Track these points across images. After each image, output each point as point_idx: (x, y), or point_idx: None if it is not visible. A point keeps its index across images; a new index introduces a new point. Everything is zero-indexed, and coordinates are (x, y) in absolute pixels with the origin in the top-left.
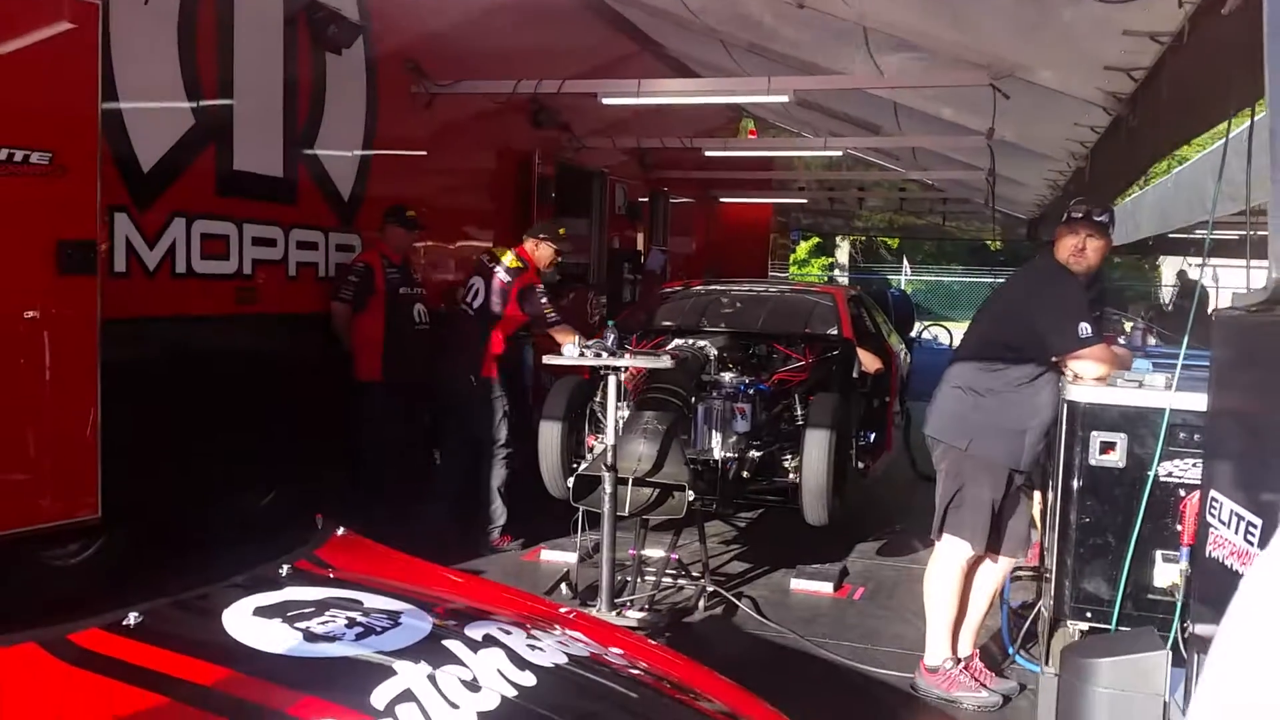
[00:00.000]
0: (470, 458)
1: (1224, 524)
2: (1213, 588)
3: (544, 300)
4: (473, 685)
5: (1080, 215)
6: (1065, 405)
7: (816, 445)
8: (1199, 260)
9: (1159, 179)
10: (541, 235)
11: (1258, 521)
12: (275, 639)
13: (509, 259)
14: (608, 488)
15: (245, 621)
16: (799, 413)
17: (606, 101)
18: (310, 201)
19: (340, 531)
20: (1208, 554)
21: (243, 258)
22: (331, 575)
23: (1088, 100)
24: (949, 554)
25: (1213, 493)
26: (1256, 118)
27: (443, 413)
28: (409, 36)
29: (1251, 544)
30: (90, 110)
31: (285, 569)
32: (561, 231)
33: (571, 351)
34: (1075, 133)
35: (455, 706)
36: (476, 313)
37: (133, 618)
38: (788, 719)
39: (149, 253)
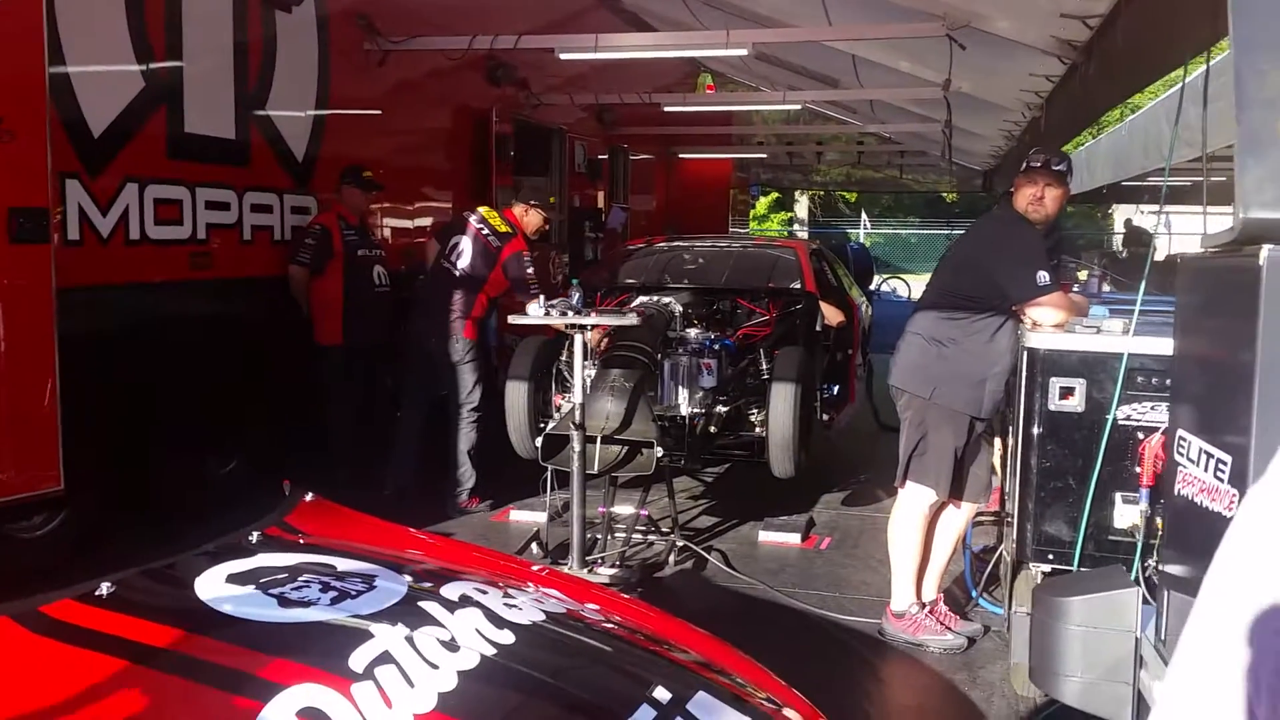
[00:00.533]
0: (427, 417)
1: (1193, 462)
2: (1182, 524)
3: (530, 270)
4: (451, 645)
5: (1039, 164)
6: (1025, 352)
7: (782, 399)
8: (1151, 208)
9: (1113, 127)
10: (533, 201)
11: (1227, 458)
12: (250, 605)
13: (498, 222)
14: (576, 446)
15: (219, 588)
16: (764, 367)
17: (564, 56)
18: (264, 163)
19: (309, 497)
20: (1176, 492)
21: (196, 222)
22: (302, 541)
23: (1043, 50)
24: (913, 501)
25: (1180, 432)
26: (1213, 62)
27: (405, 372)
28: None
29: (1221, 480)
30: (37, 75)
31: (255, 536)
32: (552, 200)
33: (537, 310)
34: (1030, 83)
35: (435, 667)
36: (462, 273)
37: (105, 588)
38: (761, 666)
39: (102, 219)
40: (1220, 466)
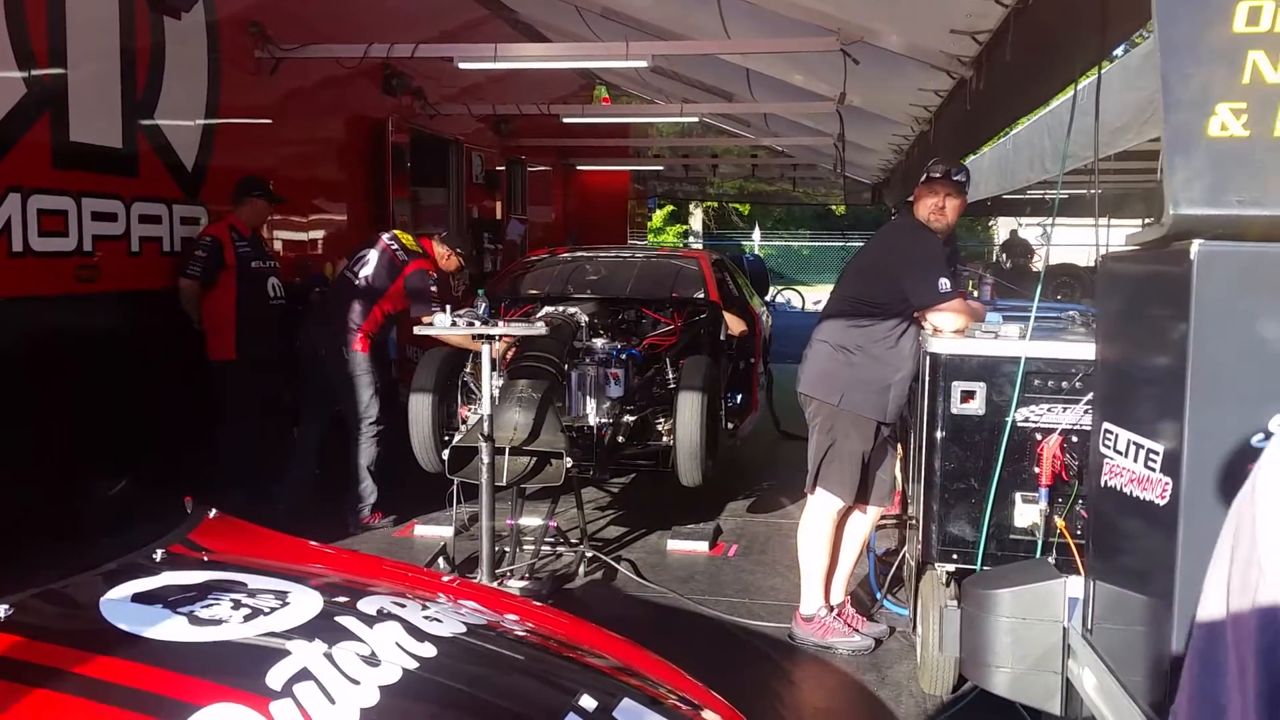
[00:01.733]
0: (324, 433)
1: (1120, 453)
2: (1110, 515)
3: (434, 289)
4: (372, 660)
5: (939, 175)
6: (928, 357)
7: (689, 408)
8: (1032, 220)
9: (996, 140)
10: (458, 250)
11: (1159, 448)
12: (158, 625)
13: (409, 242)
14: (485, 458)
15: (124, 609)
16: (671, 376)
17: (464, 66)
18: (152, 173)
19: (212, 514)
20: (1103, 484)
21: (82, 233)
22: (206, 558)
23: (932, 65)
24: (822, 507)
25: (1106, 425)
26: (1103, 71)
27: (301, 385)
28: None
29: (1153, 469)
30: None
31: (159, 554)
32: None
33: (443, 320)
34: (920, 97)
35: (356, 682)
36: (362, 281)
37: (1, 610)
38: (677, 669)
39: None
40: (1152, 456)
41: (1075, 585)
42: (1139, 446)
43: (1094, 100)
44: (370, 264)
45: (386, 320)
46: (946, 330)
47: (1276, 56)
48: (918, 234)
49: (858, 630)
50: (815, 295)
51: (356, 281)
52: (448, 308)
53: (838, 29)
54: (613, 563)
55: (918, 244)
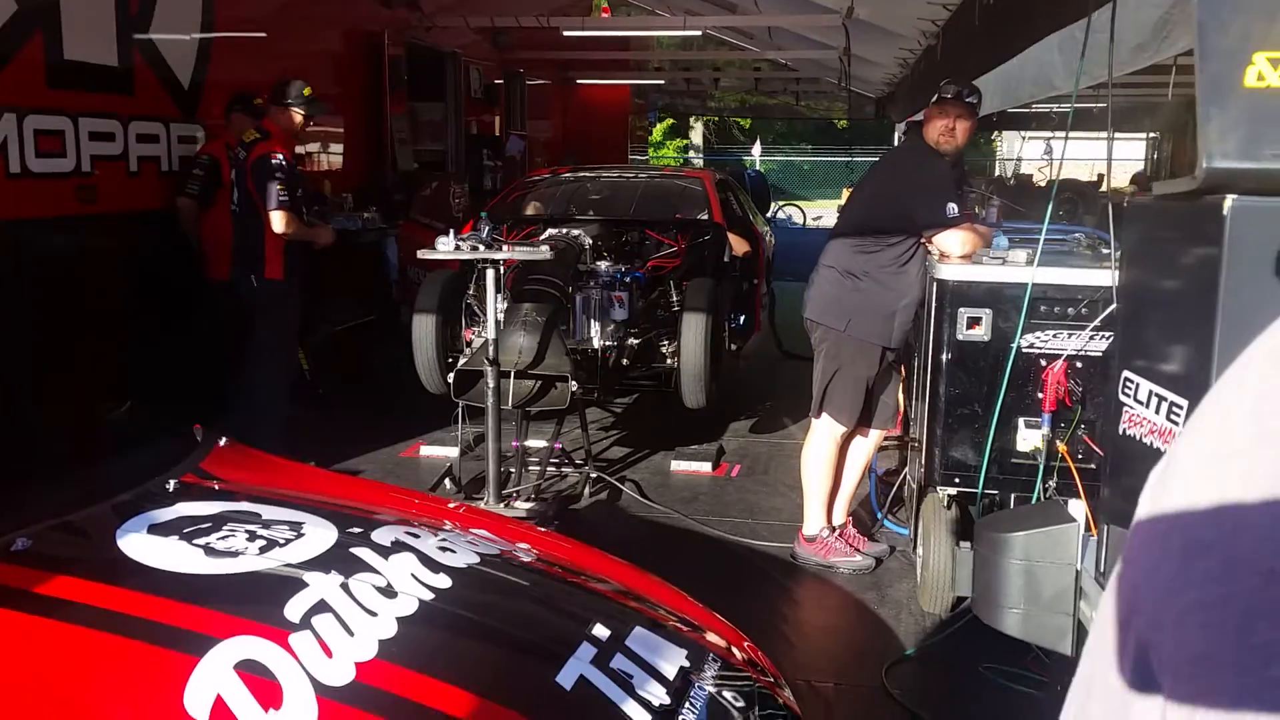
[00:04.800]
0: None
1: (1141, 403)
2: (1128, 463)
3: (279, 175)
4: (388, 591)
5: (950, 96)
6: (934, 284)
7: (693, 330)
8: (1038, 134)
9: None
10: (288, 101)
11: (1183, 402)
12: (175, 557)
13: (247, 134)
14: (490, 382)
15: (141, 540)
16: (675, 298)
17: None
18: (148, 91)
19: (222, 441)
20: (1121, 431)
21: (80, 154)
22: (218, 487)
23: None
24: (826, 431)
25: (1127, 373)
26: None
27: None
28: None
29: (1175, 423)
30: None
31: (172, 484)
32: (307, 91)
33: (447, 244)
34: (929, 11)
35: (373, 614)
36: (240, 206)
37: (20, 543)
38: (675, 589)
39: None
40: (1175, 410)
41: (1076, 508)
42: (1161, 399)
43: (1110, 18)
44: (235, 186)
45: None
46: (953, 254)
47: None
48: (925, 158)
49: (859, 550)
50: (816, 211)
51: (236, 211)
52: (451, 232)
53: None
54: (617, 484)
55: (925, 168)
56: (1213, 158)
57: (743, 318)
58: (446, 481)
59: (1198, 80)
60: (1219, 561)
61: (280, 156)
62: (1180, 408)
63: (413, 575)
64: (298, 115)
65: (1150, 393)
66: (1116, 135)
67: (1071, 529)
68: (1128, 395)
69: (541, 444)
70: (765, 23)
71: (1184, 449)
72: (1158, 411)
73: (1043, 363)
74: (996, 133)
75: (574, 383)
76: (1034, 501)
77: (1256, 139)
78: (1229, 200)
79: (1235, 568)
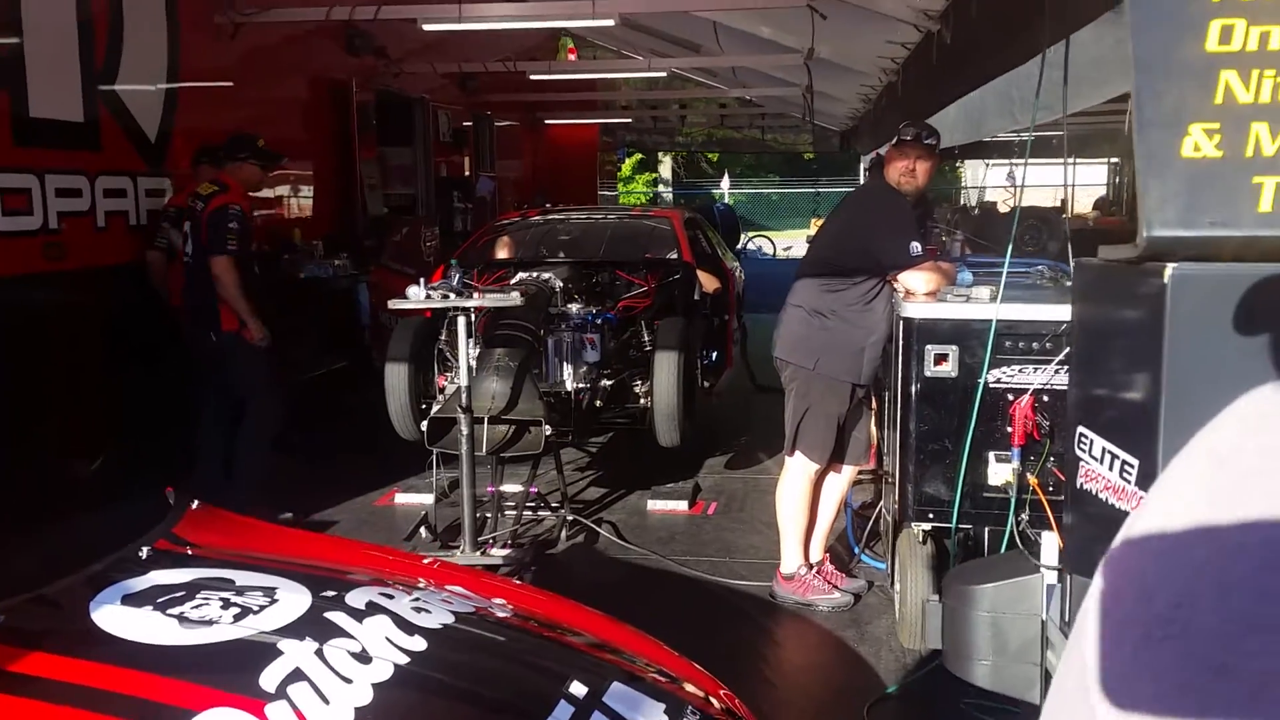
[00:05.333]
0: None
1: (1095, 459)
2: (1087, 517)
3: (232, 224)
4: (363, 657)
5: (910, 138)
6: (901, 321)
7: (665, 370)
8: (999, 163)
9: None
10: (242, 155)
11: (1134, 462)
12: (150, 628)
13: (204, 187)
14: (464, 429)
15: (115, 612)
16: (646, 338)
17: (428, 27)
18: (115, 145)
19: (194, 504)
20: (1079, 486)
21: (48, 211)
22: (191, 553)
23: (899, 18)
24: (799, 469)
25: (1081, 428)
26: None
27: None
28: None
29: (1128, 481)
30: None
31: (145, 551)
32: (261, 143)
33: (417, 294)
34: (887, 49)
35: (348, 681)
36: (194, 260)
37: None
38: (653, 639)
39: None
40: (1127, 469)
41: (1048, 541)
42: (1114, 456)
43: (1064, 56)
44: (189, 237)
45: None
46: (918, 292)
47: (1248, 76)
48: (888, 197)
49: (837, 587)
50: (786, 241)
51: (189, 263)
52: (421, 281)
53: None
54: (594, 526)
55: (888, 208)
56: (1153, 226)
57: (715, 354)
58: (422, 530)
59: (1136, 151)
60: (1174, 653)
61: (238, 208)
62: (1131, 466)
63: (387, 639)
64: (254, 168)
65: (1104, 449)
66: (1078, 161)
67: (1036, 579)
68: (1083, 450)
69: (517, 488)
70: (729, 63)
71: (1139, 526)
72: (1111, 468)
73: (1010, 397)
74: (960, 161)
75: (547, 426)
76: (1007, 535)
77: (1195, 208)
78: (1169, 268)
79: (1189, 660)
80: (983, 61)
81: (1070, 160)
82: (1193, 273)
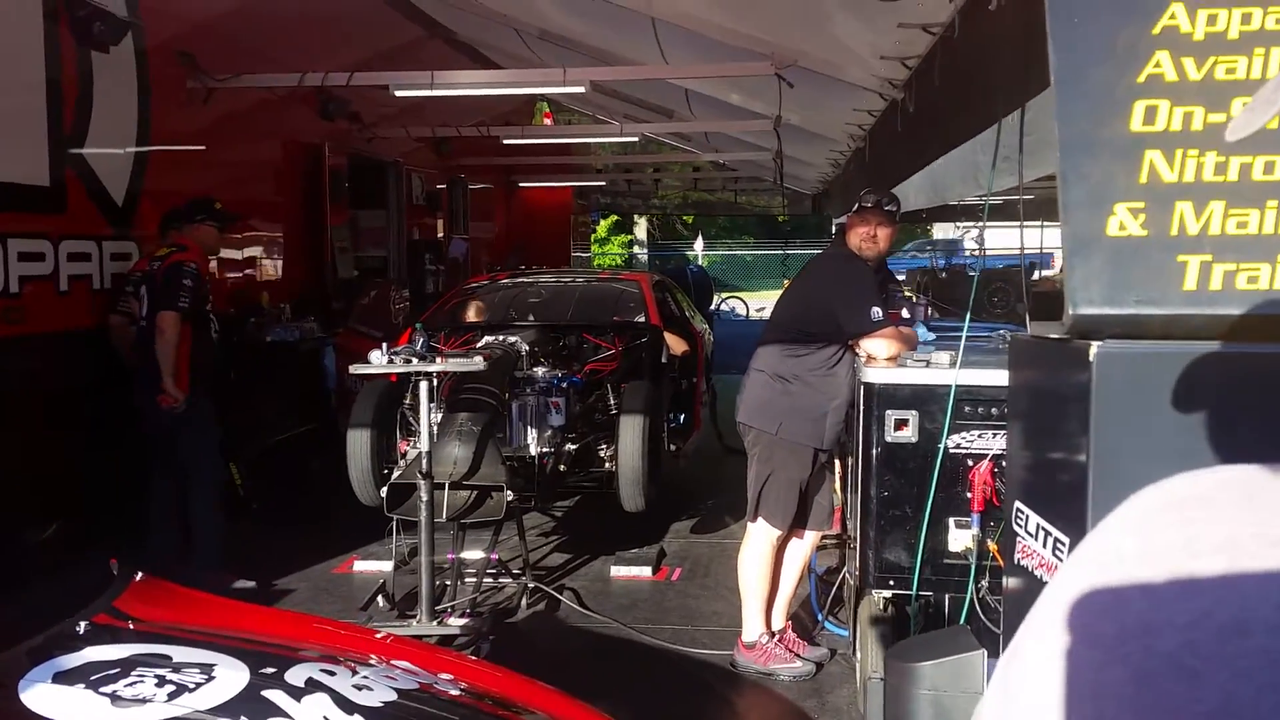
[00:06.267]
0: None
1: (1030, 535)
2: (1024, 593)
3: (186, 281)
4: None
5: (870, 205)
6: (862, 386)
7: (630, 433)
8: (968, 223)
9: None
10: (199, 217)
11: (1065, 539)
12: (80, 708)
13: (161, 250)
14: (424, 495)
15: (45, 691)
16: (612, 402)
17: (399, 94)
18: (81, 209)
19: (138, 576)
20: (1016, 561)
21: (8, 275)
22: (132, 627)
23: (865, 87)
24: (761, 535)
25: (1017, 503)
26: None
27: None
28: (182, 28)
29: (1060, 558)
30: None
31: (83, 625)
32: (218, 205)
33: (379, 358)
34: (854, 117)
35: None
36: (148, 321)
37: None
38: (608, 716)
39: None
40: (1059, 546)
41: None
42: (1047, 533)
43: (1019, 125)
44: (145, 299)
45: (198, 340)
46: (880, 358)
47: (1173, 155)
48: (849, 264)
49: (799, 655)
50: (759, 302)
51: (144, 325)
52: (384, 345)
53: (771, 53)
54: (555, 593)
55: (849, 274)
56: (1079, 305)
57: (683, 417)
58: (379, 599)
59: (1061, 230)
60: None
61: (193, 265)
62: (1063, 544)
63: (325, 718)
64: (212, 230)
65: (1038, 525)
66: (1045, 224)
67: (978, 656)
68: (1019, 525)
69: (479, 554)
70: (700, 128)
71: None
72: (1044, 545)
73: (969, 462)
74: (931, 224)
75: (509, 492)
76: (966, 603)
77: (1120, 286)
78: (1095, 346)
79: None
80: (944, 128)
81: (1040, 224)
82: (1118, 350)
